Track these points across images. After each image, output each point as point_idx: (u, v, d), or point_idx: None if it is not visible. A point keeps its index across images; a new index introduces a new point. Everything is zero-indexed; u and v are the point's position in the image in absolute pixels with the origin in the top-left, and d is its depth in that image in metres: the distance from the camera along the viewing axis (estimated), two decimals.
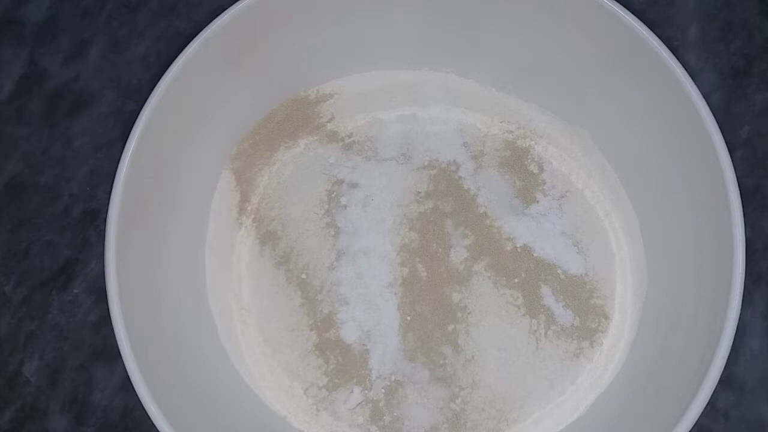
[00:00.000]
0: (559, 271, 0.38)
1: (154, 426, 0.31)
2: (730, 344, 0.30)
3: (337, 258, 0.39)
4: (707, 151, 0.33)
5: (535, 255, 0.39)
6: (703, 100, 0.33)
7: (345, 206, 0.40)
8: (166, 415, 0.31)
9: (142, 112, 0.35)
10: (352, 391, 0.37)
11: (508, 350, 0.37)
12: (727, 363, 0.30)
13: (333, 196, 0.40)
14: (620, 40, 0.35)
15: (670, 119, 0.35)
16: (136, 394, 0.31)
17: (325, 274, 0.39)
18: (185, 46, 0.36)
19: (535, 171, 0.40)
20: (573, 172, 0.40)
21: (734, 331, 0.31)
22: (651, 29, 0.34)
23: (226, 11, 0.36)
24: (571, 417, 0.36)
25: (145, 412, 0.31)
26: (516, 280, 0.38)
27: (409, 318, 0.38)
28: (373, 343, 0.38)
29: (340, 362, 0.38)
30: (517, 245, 0.39)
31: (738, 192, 0.32)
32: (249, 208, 0.41)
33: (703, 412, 0.30)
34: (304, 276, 0.39)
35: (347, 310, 0.38)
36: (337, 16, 0.39)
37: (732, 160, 0.32)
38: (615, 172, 0.39)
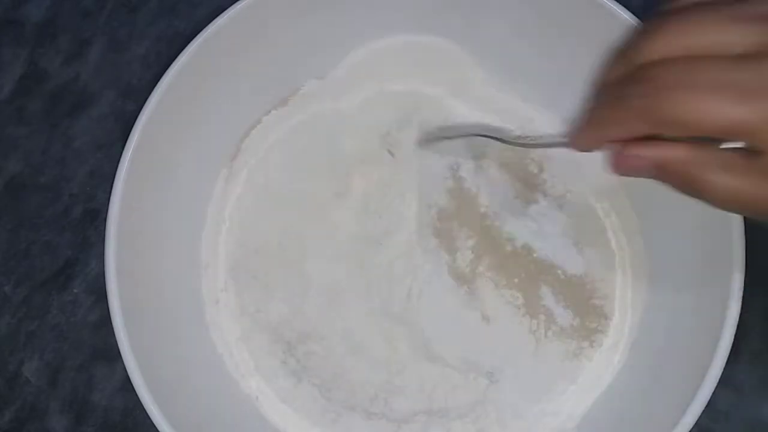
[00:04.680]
0: (559, 271, 0.38)
1: (154, 426, 0.31)
2: (730, 344, 0.30)
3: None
4: None
5: (535, 255, 0.39)
6: None
7: None
8: (166, 415, 0.31)
9: (142, 112, 0.35)
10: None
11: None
12: (727, 363, 0.30)
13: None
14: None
15: None
16: (136, 394, 0.31)
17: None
18: (185, 46, 0.36)
19: (535, 171, 0.40)
20: (573, 173, 0.40)
21: (734, 331, 0.31)
22: None
23: (226, 11, 0.36)
24: (572, 417, 0.36)
25: (145, 412, 0.31)
26: (516, 280, 0.38)
27: None
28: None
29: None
30: (517, 245, 0.39)
31: None
32: None
33: (703, 412, 0.30)
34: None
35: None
36: (336, 17, 0.39)
37: None
38: (615, 174, 0.39)
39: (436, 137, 0.39)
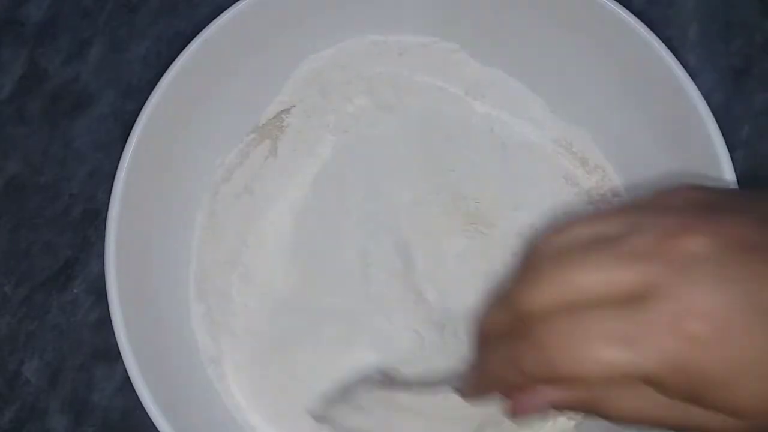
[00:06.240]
0: None
1: (154, 426, 0.31)
2: None
3: None
4: (707, 151, 0.33)
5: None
6: (703, 100, 0.33)
7: None
8: (166, 415, 0.31)
9: (142, 112, 0.35)
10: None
11: None
12: None
13: None
14: (620, 40, 0.35)
15: (670, 119, 0.35)
16: (136, 394, 0.31)
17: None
18: (185, 46, 0.36)
19: None
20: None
21: None
22: (651, 29, 0.34)
23: (226, 11, 0.36)
24: (572, 419, 0.36)
25: (145, 412, 0.31)
26: None
27: None
28: None
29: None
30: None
31: None
32: None
33: None
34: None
35: None
36: (337, 16, 0.39)
37: (732, 160, 0.32)
38: (615, 172, 0.39)
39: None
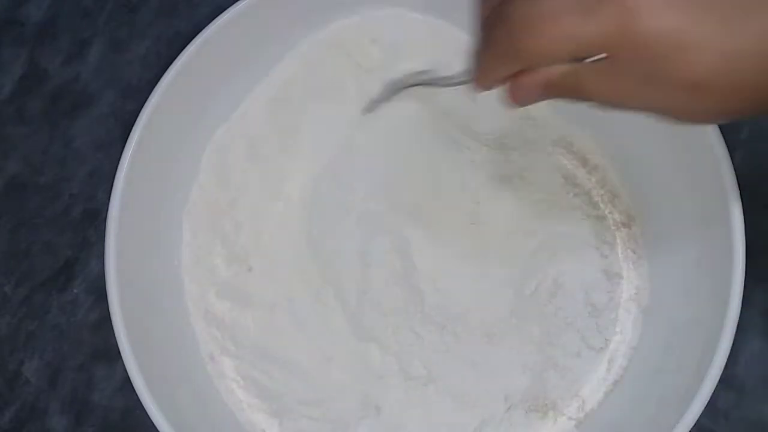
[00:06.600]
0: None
1: (154, 426, 0.31)
2: (730, 344, 0.30)
3: None
4: (707, 152, 0.33)
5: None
6: None
7: None
8: (166, 415, 0.31)
9: (142, 112, 0.35)
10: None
11: None
12: (727, 363, 0.30)
13: None
14: None
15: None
16: (136, 394, 0.31)
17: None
18: (185, 46, 0.36)
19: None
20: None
21: (734, 331, 0.31)
22: None
23: (226, 11, 0.36)
24: (574, 419, 0.36)
25: (145, 412, 0.31)
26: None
27: None
28: None
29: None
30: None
31: (738, 192, 0.32)
32: None
33: (703, 412, 0.30)
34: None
35: None
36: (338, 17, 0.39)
37: (732, 160, 0.32)
38: (615, 172, 0.39)
39: (376, 102, 0.39)
